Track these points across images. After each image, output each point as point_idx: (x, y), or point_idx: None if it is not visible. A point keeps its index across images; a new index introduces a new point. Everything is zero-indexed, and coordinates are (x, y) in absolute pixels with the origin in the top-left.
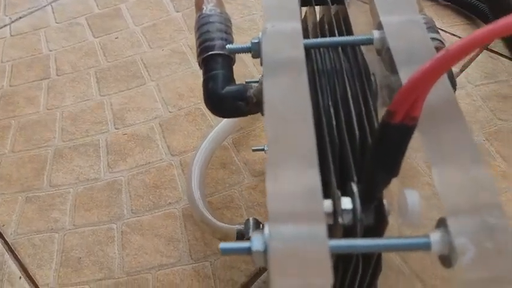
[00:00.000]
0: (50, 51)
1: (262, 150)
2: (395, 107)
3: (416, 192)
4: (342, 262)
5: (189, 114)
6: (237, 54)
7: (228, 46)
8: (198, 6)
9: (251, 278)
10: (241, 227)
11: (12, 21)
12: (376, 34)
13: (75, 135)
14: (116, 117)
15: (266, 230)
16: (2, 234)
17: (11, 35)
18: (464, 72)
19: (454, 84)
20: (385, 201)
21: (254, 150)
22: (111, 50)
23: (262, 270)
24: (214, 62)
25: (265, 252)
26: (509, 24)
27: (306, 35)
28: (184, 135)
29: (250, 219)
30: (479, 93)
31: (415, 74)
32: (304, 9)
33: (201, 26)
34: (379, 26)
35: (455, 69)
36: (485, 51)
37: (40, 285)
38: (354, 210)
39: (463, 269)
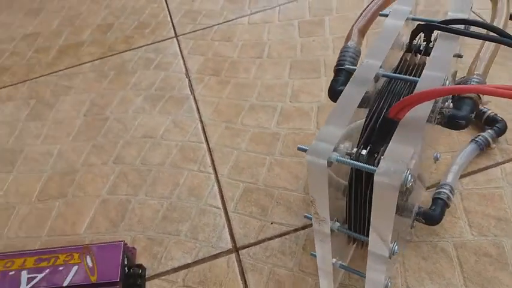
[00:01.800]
0: (268, 40)
1: None
2: (392, 110)
3: None
4: (354, 183)
5: None
6: None
7: (346, 66)
8: (346, 40)
9: None
10: None
11: (252, 13)
12: None
13: (265, 98)
14: (293, 95)
15: (313, 143)
16: (208, 141)
17: (248, 23)
18: None
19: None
20: (381, 156)
21: None
22: (307, 48)
23: None
24: (340, 72)
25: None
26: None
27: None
28: None
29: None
30: None
31: (403, 100)
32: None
33: (342, 52)
34: None
35: None
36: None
37: (219, 175)
38: (366, 156)
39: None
